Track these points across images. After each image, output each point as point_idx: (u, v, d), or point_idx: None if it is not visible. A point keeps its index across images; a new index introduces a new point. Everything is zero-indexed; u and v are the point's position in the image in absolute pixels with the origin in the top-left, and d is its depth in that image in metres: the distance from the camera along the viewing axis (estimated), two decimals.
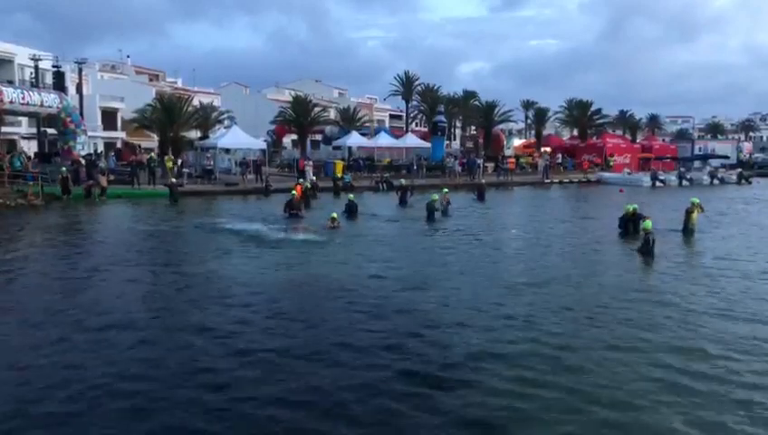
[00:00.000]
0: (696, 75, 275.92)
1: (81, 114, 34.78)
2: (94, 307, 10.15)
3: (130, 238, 17.47)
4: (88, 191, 27.65)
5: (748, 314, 9.82)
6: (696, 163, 54.05)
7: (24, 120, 41.67)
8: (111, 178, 30.88)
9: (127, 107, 50.98)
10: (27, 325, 9.11)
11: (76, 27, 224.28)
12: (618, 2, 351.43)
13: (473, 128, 69.48)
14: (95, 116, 49.12)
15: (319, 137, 54.75)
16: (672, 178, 43.65)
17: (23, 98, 29.11)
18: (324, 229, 18.36)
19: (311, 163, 37.43)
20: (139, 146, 47.51)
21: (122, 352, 8.01)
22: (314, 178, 33.77)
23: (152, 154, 35.01)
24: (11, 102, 28.45)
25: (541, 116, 72.08)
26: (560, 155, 54.08)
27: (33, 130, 38.75)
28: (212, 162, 35.95)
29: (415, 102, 68.27)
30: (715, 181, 44.43)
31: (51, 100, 31.01)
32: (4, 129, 40.70)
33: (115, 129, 52.67)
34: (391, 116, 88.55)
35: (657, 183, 41.73)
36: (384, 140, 48.89)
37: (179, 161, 35.40)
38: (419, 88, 67.07)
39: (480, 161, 43.24)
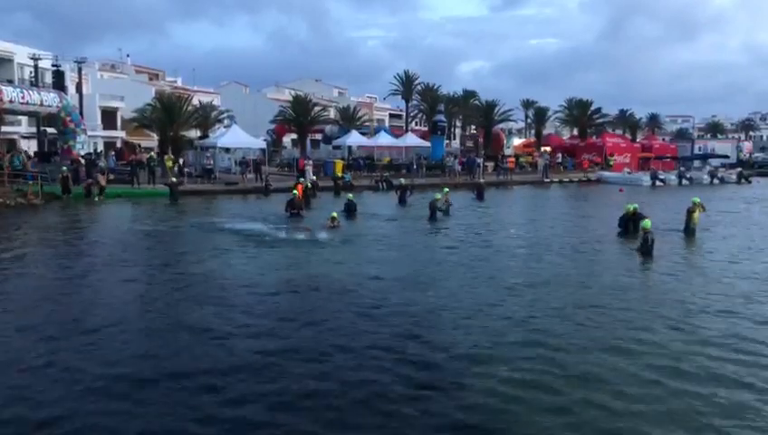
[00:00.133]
0: (696, 75, 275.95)
1: (81, 113, 34.77)
2: (92, 308, 10.14)
3: (130, 238, 17.45)
4: (88, 190, 27.65)
5: (748, 314, 9.81)
6: (696, 163, 54.12)
7: (24, 119, 41.62)
8: (111, 177, 30.87)
9: (126, 106, 50.91)
10: (25, 325, 9.07)
11: (76, 26, 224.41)
12: (618, 1, 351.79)
13: (473, 127, 69.42)
14: (95, 115, 49.06)
15: (319, 136, 54.72)
16: (672, 177, 43.67)
17: (22, 97, 29.10)
18: (324, 229, 18.36)
19: (311, 162, 37.41)
20: (139, 145, 47.46)
21: (120, 352, 7.99)
22: (314, 177, 33.79)
23: (152, 153, 35.01)
24: (11, 102, 28.44)
25: (541, 115, 72.12)
26: (560, 154, 54.07)
27: (33, 130, 38.74)
28: (212, 162, 35.94)
29: (415, 102, 68.34)
30: (715, 181, 44.44)
31: (50, 99, 31.00)
32: (4, 128, 40.68)
33: (115, 128, 52.60)
34: (391, 115, 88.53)
35: (657, 182, 41.74)
36: (384, 139, 48.92)
37: (181, 160, 35.39)
38: (419, 87, 67.12)
39: (480, 161, 43.24)
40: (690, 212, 18.14)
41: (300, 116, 48.91)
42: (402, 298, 10.75)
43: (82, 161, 30.91)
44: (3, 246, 16.04)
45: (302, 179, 28.99)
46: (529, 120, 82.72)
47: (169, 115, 40.10)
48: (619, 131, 76.05)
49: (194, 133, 45.79)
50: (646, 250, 14.41)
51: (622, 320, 9.46)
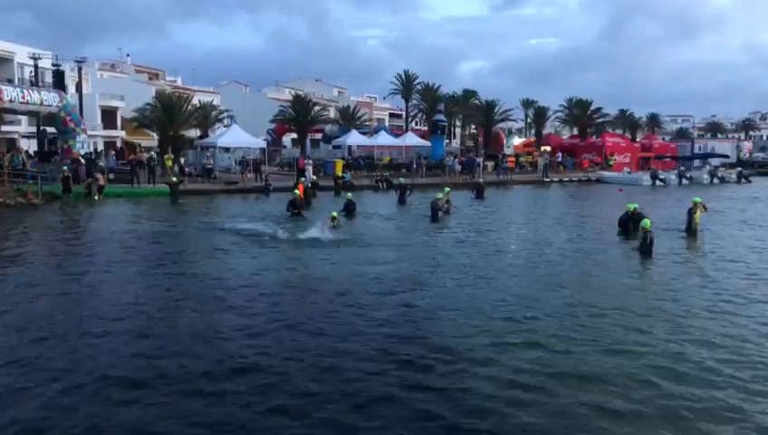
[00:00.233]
0: (696, 74, 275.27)
1: (81, 113, 34.79)
2: (91, 308, 10.14)
3: (130, 238, 17.43)
4: (88, 189, 27.66)
5: (749, 314, 9.81)
6: (696, 162, 54.01)
7: (24, 118, 41.62)
8: (111, 176, 30.87)
9: (126, 106, 50.92)
10: (24, 325, 9.07)
11: (76, 26, 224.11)
12: (618, 1, 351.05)
13: (473, 127, 69.50)
14: (95, 115, 49.07)
15: (319, 136, 54.71)
16: (672, 177, 43.62)
17: (22, 97, 29.10)
18: (324, 228, 18.35)
19: (310, 162, 37.41)
20: (139, 145, 47.45)
21: (119, 352, 7.99)
22: (315, 177, 33.79)
23: (152, 153, 35.01)
24: (11, 101, 28.44)
25: (541, 115, 72.08)
26: (559, 154, 53.99)
27: (33, 129, 38.73)
28: (212, 161, 35.94)
29: (415, 101, 68.32)
30: (715, 180, 44.42)
31: (50, 98, 31.00)
32: (4, 127, 40.76)
33: (115, 127, 52.61)
34: (391, 115, 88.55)
35: (657, 182, 41.72)
36: (384, 138, 48.93)
37: (182, 160, 35.40)
38: (419, 87, 67.11)
39: (480, 160, 43.27)
40: (691, 212, 18.15)
41: (300, 116, 48.89)
42: (402, 298, 10.74)
43: (82, 161, 30.93)
44: (3, 245, 16.03)
45: (302, 179, 29.00)
46: (529, 120, 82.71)
47: (169, 115, 40.07)
48: (618, 131, 75.98)
49: (194, 133, 45.79)
50: (645, 250, 14.42)
51: (622, 320, 9.46)
